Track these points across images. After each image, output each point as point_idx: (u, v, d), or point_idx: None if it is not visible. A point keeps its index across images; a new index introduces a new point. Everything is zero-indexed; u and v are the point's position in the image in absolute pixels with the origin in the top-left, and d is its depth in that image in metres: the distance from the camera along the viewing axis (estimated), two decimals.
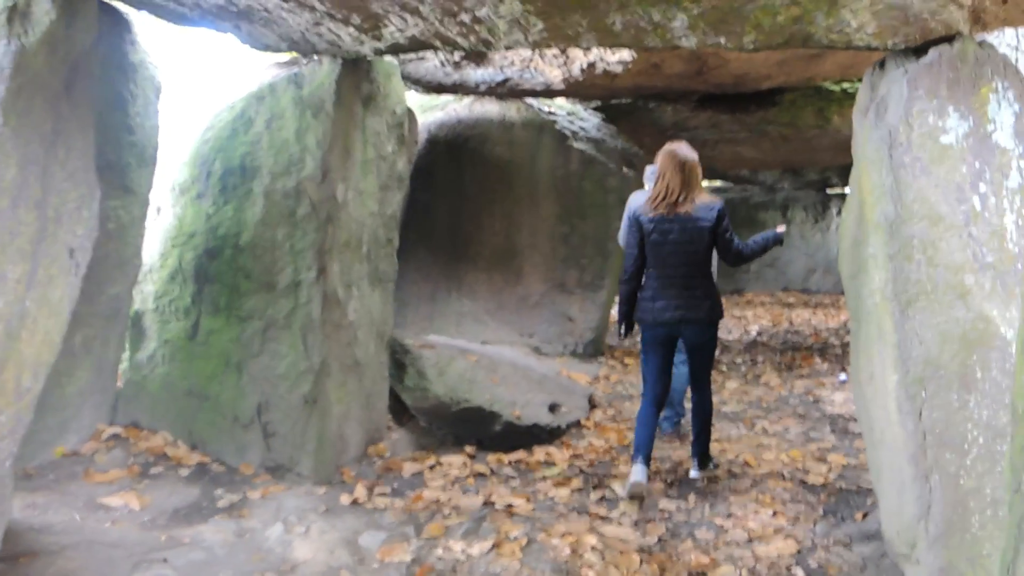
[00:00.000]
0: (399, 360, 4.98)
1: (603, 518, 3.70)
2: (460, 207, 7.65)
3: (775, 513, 3.68)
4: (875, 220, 2.90)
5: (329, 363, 4.31)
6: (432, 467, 4.43)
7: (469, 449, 4.70)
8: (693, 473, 4.35)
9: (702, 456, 4.36)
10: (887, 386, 2.87)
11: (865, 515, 3.56)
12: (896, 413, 2.81)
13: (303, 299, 4.29)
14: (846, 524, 3.53)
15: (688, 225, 4.13)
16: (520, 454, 4.66)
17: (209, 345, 4.55)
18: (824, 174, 12.77)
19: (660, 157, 4.20)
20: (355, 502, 3.89)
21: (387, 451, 4.64)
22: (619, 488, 4.05)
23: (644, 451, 4.06)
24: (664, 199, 4.14)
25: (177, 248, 4.77)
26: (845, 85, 7.02)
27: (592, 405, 5.77)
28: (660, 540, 3.46)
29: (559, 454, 4.66)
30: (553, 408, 5.21)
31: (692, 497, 3.94)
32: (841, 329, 9.45)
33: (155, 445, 4.47)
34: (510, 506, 3.78)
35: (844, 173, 12.50)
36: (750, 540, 3.41)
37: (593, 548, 3.32)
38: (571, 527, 3.52)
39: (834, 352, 8.04)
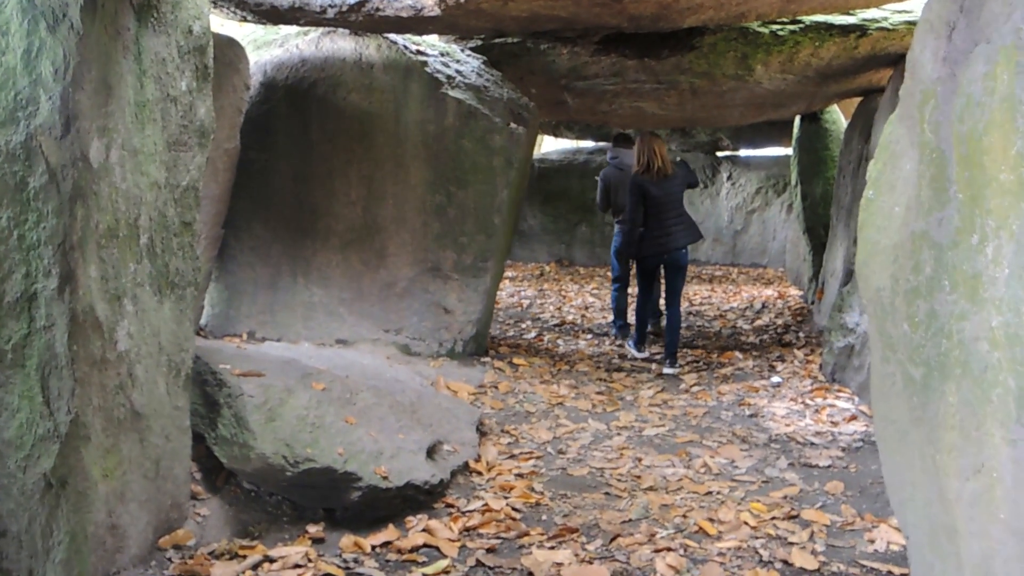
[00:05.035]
0: (210, 396, 3.45)
1: None
2: (306, 171, 6.05)
3: None
4: None
5: (87, 421, 2.76)
6: (256, 566, 2.95)
7: (314, 529, 3.24)
8: (667, 370, 6.06)
9: (672, 356, 6.13)
10: None
11: None
12: None
13: (41, 321, 2.71)
14: None
15: (673, 182, 6.26)
16: (388, 532, 3.24)
17: None
18: (715, 135, 11.78)
19: (642, 142, 6.31)
20: None
21: (191, 538, 3.13)
22: None
23: (638, 336, 6.62)
24: (658, 169, 6.19)
25: None
26: (775, 27, 5.85)
27: (481, 432, 4.42)
28: None
29: (444, 530, 3.26)
30: (432, 450, 3.81)
31: None
32: (748, 310, 8.46)
33: None
34: None
35: (737, 135, 11.60)
36: None
37: None
38: None
39: (749, 341, 6.99)
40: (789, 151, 11.17)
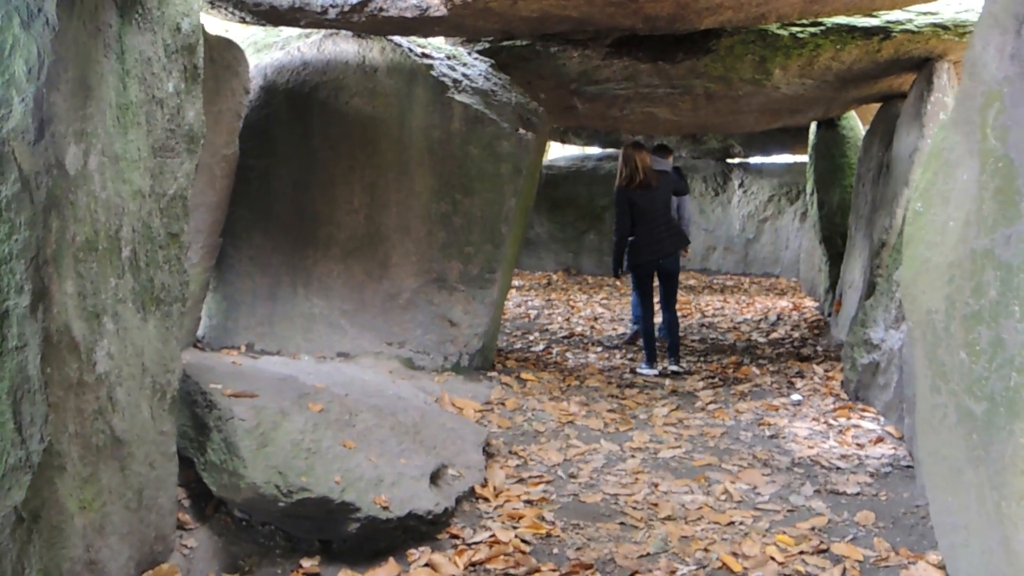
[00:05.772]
0: (200, 418, 3.23)
1: None
2: (307, 178, 5.85)
3: None
4: None
5: (62, 449, 2.54)
6: None
7: (308, 563, 3.02)
8: (672, 367, 6.26)
9: (676, 356, 6.36)
10: None
11: None
12: None
13: (12, 342, 2.49)
14: None
15: (658, 192, 6.31)
16: (388, 567, 3.02)
17: None
18: (726, 142, 11.55)
19: (625, 154, 6.34)
20: None
21: (177, 573, 2.91)
22: None
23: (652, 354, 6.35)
24: (640, 180, 6.24)
25: None
26: (795, 29, 5.62)
27: (488, 453, 4.20)
28: None
29: (448, 565, 3.04)
30: (436, 476, 3.58)
31: None
32: (762, 322, 8.22)
33: None
34: None
35: (748, 141, 11.39)
36: None
37: None
38: None
39: (765, 355, 6.75)
40: (801, 158, 10.95)
